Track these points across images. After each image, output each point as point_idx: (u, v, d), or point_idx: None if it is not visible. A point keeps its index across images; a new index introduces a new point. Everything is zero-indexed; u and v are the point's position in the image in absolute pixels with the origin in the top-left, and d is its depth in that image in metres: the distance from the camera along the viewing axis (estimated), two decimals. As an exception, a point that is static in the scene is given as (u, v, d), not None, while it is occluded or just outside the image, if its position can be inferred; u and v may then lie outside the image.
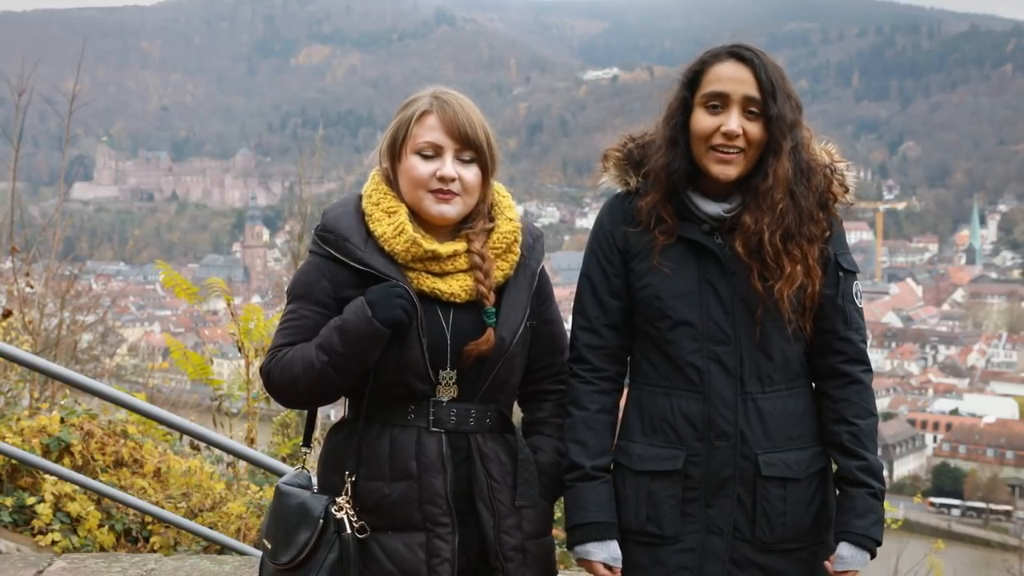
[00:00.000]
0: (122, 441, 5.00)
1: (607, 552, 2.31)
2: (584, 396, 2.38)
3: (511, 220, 2.36)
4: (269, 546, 2.32)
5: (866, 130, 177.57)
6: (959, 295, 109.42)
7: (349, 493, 2.27)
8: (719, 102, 2.27)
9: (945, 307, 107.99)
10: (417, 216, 2.31)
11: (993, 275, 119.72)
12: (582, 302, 2.43)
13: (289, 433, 6.47)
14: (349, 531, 2.23)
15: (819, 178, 2.33)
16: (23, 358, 4.21)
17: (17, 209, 8.38)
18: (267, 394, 5.52)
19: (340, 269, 2.28)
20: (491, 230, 2.34)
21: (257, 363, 5.59)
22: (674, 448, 2.30)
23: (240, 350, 5.60)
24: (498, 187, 2.41)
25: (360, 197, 2.36)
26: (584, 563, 2.35)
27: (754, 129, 2.26)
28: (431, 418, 2.27)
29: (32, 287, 7.35)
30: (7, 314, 6.10)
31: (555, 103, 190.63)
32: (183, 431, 4.23)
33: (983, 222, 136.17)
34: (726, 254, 2.31)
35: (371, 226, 2.29)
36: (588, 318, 2.41)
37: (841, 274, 2.35)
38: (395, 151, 2.33)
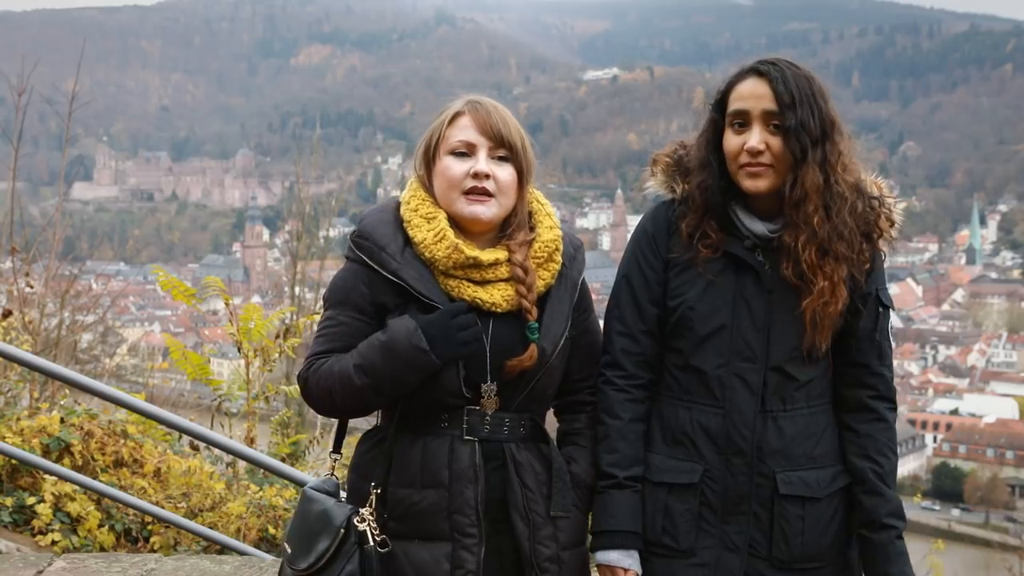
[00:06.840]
0: (122, 441, 5.00)
1: (632, 560, 2.31)
2: (618, 405, 2.35)
3: (551, 228, 2.32)
4: (289, 550, 2.28)
5: (866, 130, 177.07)
6: (959, 295, 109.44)
7: (373, 504, 2.23)
8: (742, 120, 2.26)
9: (945, 307, 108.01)
10: (456, 224, 2.27)
11: (993, 275, 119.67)
12: (620, 307, 2.39)
13: (288, 433, 6.47)
14: (371, 544, 2.18)
15: (863, 204, 2.29)
16: (23, 358, 4.20)
17: (17, 209, 8.41)
18: (266, 395, 5.60)
19: (376, 275, 2.24)
20: (532, 240, 2.29)
21: (256, 363, 5.60)
22: (692, 461, 2.30)
23: (239, 350, 5.60)
24: (537, 195, 2.38)
25: (398, 204, 2.31)
26: (606, 569, 2.34)
27: (778, 143, 2.23)
28: (465, 427, 2.24)
29: (32, 287, 7.36)
30: (7, 314, 6.10)
31: (555, 103, 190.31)
32: (183, 431, 4.23)
33: (983, 222, 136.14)
34: (766, 272, 2.29)
35: (410, 232, 2.24)
36: (626, 323, 2.37)
37: (880, 309, 2.34)
38: (429, 155, 2.30)
